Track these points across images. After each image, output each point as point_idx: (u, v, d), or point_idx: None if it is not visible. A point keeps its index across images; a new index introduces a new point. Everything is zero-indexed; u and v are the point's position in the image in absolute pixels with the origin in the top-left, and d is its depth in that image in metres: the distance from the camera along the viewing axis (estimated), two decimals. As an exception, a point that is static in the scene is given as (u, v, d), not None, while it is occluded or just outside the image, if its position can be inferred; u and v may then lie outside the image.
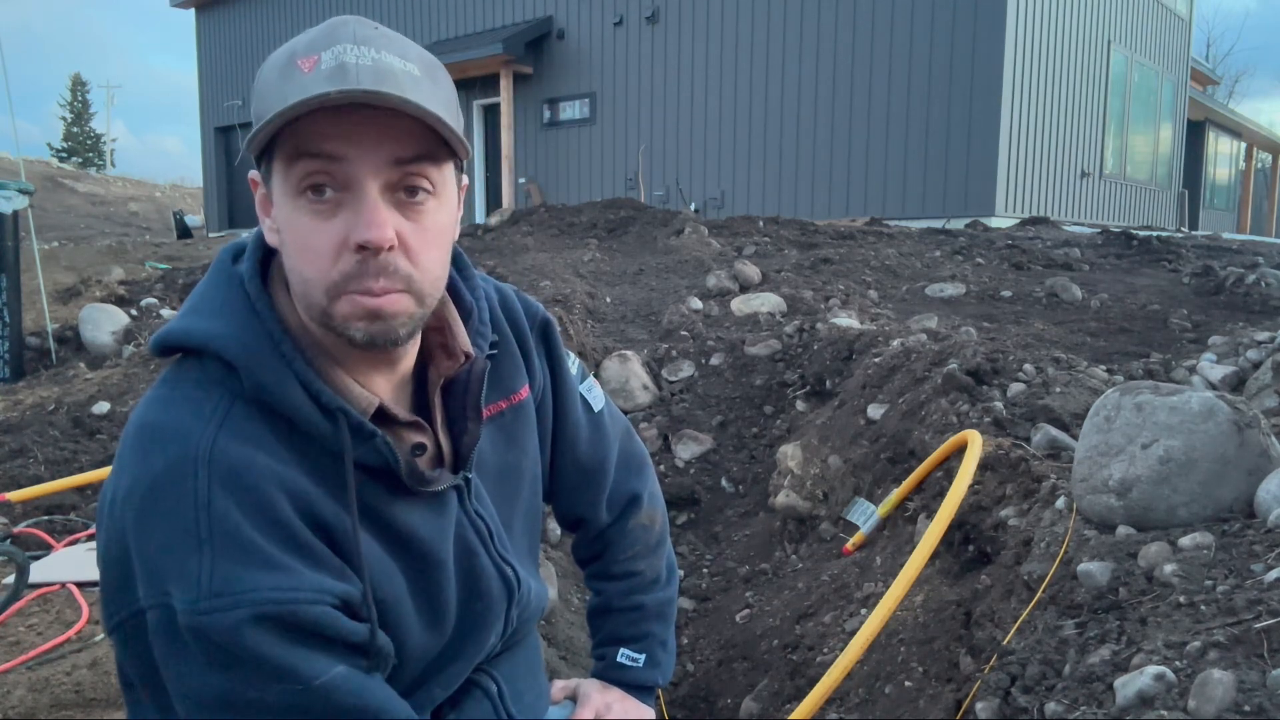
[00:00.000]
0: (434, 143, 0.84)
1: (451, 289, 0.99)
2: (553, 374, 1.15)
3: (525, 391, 1.08)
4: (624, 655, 1.24)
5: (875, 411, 3.12)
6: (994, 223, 9.70)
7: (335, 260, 0.82)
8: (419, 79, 0.83)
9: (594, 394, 1.21)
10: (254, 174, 0.89)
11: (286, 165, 0.82)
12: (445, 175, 0.88)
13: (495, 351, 1.02)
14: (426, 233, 0.85)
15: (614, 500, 1.24)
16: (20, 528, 2.66)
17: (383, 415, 0.90)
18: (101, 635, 2.09)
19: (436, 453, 0.96)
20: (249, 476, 0.80)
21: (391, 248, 0.82)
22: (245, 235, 0.97)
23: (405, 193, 0.84)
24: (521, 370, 1.08)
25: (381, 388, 0.92)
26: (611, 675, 1.24)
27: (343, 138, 0.80)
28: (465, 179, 0.96)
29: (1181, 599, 1.34)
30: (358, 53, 0.80)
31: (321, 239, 0.82)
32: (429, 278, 0.87)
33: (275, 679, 0.78)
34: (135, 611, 0.80)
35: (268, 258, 0.91)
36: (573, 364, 1.19)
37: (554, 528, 3.31)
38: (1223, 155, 19.63)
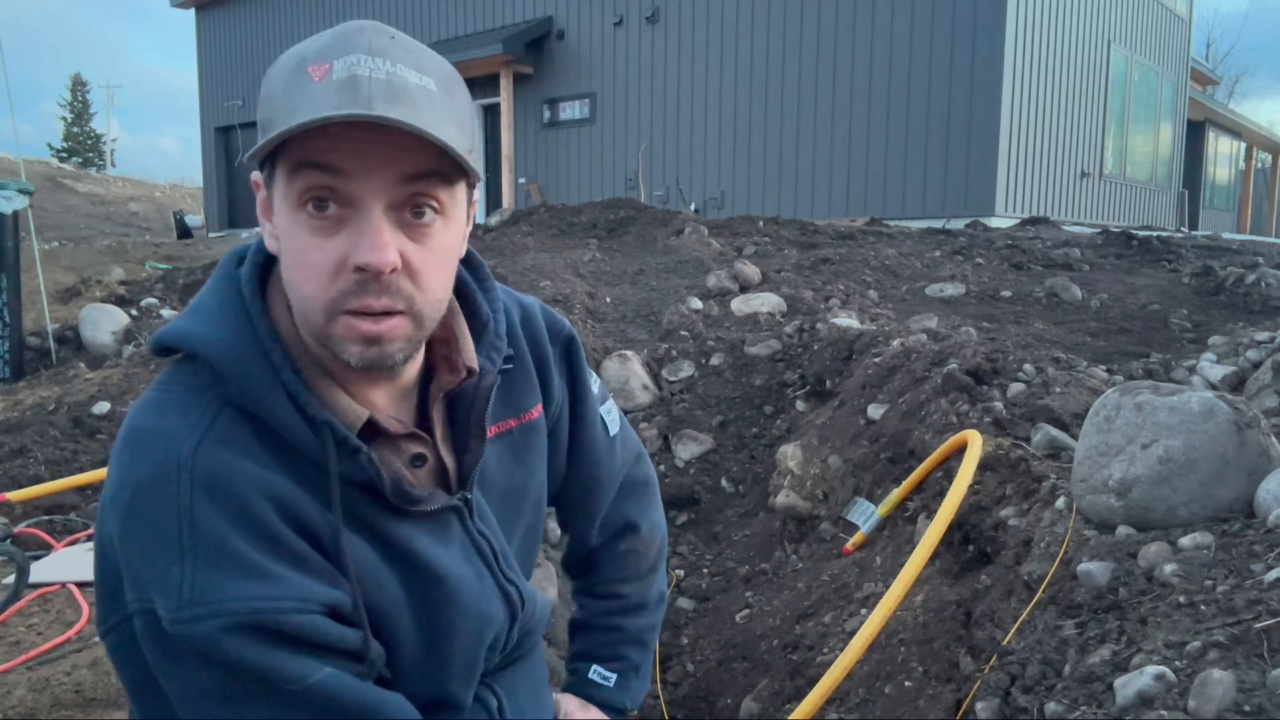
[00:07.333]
0: (445, 161, 0.80)
1: (469, 301, 0.96)
2: (573, 392, 1.12)
3: (537, 410, 1.05)
4: (595, 673, 1.22)
5: (875, 411, 3.12)
6: (994, 223, 9.69)
7: (333, 279, 0.78)
8: (434, 95, 0.78)
9: (612, 416, 1.19)
10: (258, 175, 0.86)
11: (290, 174, 0.78)
12: (455, 195, 0.84)
13: (510, 367, 0.99)
14: (431, 255, 0.82)
15: (607, 524, 1.23)
16: (20, 528, 2.66)
17: (377, 428, 0.88)
18: (101, 635, 2.09)
19: (439, 466, 0.93)
20: (232, 483, 0.78)
21: (394, 270, 0.78)
22: (246, 236, 0.96)
23: (411, 213, 0.80)
24: (535, 389, 1.05)
25: (378, 400, 0.90)
26: (581, 690, 1.23)
27: (349, 152, 0.76)
28: (476, 196, 0.91)
29: (1181, 599, 1.34)
30: (371, 65, 0.76)
31: (321, 256, 0.78)
32: (430, 300, 0.83)
33: (263, 681, 0.78)
34: (124, 617, 0.81)
35: (269, 262, 0.89)
36: (595, 384, 1.16)
37: (553, 527, 3.31)
38: (1222, 155, 19.62)
